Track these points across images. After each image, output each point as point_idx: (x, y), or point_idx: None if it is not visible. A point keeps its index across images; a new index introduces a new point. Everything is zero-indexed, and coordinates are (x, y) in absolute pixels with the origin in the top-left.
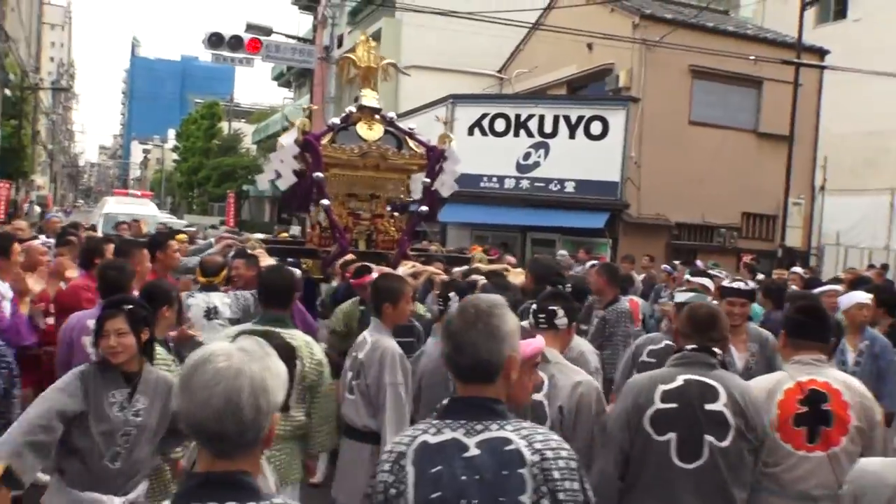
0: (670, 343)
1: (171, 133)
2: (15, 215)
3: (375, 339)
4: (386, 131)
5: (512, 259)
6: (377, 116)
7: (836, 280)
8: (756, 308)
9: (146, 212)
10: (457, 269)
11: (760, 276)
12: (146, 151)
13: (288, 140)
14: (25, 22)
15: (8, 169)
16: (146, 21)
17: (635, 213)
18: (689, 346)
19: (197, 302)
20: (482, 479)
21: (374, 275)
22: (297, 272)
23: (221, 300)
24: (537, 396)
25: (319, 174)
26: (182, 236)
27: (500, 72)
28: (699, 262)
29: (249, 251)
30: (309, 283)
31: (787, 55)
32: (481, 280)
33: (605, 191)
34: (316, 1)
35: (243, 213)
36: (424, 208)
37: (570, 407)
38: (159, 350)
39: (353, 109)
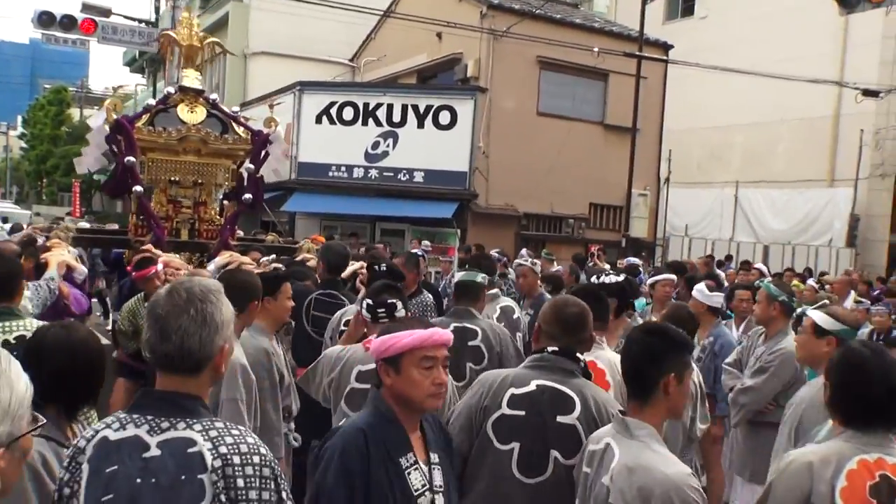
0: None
1: (20, 120)
2: None
3: None
4: (210, 114)
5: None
6: (200, 99)
7: (657, 269)
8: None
9: None
10: (264, 259)
11: (607, 266)
12: None
13: (97, 122)
14: None
15: None
16: None
17: (484, 204)
18: (550, 348)
19: None
20: (158, 483)
21: (159, 266)
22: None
23: (27, 296)
24: None
25: (131, 159)
26: None
27: (351, 60)
28: (524, 251)
29: (48, 242)
30: (129, 275)
31: (633, 49)
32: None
33: (454, 181)
34: None
35: (94, 204)
36: (248, 196)
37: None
38: None
39: (173, 90)
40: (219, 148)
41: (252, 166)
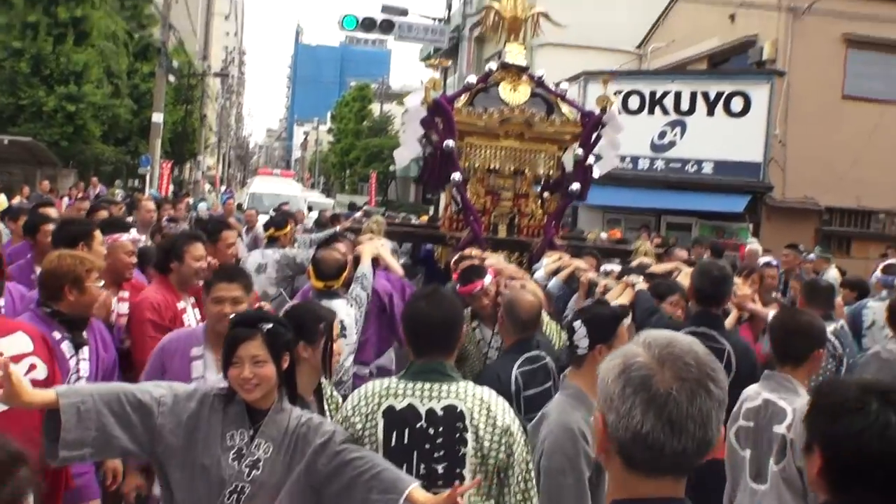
0: None
1: (329, 115)
2: (182, 195)
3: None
4: (533, 94)
5: (682, 254)
6: (523, 76)
7: None
8: None
9: (289, 191)
10: (608, 266)
11: None
12: (306, 133)
13: (414, 102)
14: (193, 13)
15: (178, 150)
16: (310, 8)
17: (779, 196)
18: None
19: None
20: None
21: (487, 280)
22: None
23: (347, 312)
24: None
25: (451, 142)
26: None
27: (638, 47)
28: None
29: (359, 236)
30: (439, 276)
31: None
32: (638, 284)
33: (747, 172)
34: None
35: (389, 194)
36: (576, 186)
37: None
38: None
39: (494, 67)
40: (544, 131)
41: (581, 152)
